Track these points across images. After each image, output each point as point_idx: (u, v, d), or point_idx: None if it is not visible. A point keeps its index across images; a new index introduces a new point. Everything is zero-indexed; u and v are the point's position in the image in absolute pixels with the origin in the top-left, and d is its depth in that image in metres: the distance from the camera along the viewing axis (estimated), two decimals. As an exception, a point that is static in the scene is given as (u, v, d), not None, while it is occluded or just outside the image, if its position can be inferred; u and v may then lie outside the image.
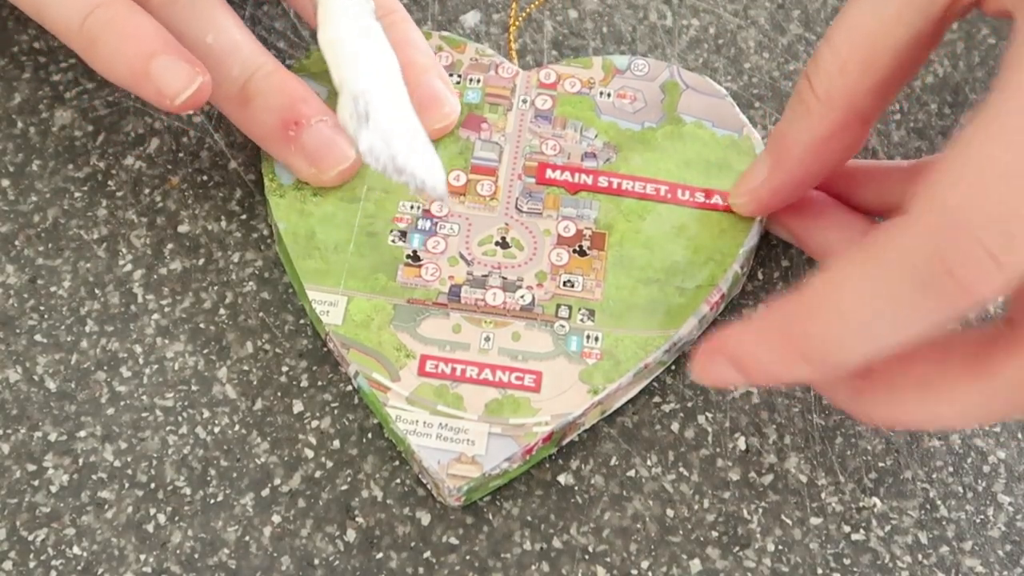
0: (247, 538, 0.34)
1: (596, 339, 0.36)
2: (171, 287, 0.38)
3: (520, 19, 0.43)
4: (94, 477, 0.35)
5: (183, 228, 0.39)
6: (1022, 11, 0.29)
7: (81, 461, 0.35)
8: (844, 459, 0.36)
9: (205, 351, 0.37)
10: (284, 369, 0.37)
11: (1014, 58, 0.28)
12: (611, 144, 0.39)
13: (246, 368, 0.37)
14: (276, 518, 0.34)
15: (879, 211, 0.37)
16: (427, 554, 0.34)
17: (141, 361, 0.37)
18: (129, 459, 0.35)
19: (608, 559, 0.34)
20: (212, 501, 0.35)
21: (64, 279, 0.38)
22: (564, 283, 0.37)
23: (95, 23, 0.36)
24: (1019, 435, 0.36)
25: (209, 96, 0.35)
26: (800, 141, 0.34)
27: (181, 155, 0.40)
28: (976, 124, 0.27)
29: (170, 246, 0.38)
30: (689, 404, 0.36)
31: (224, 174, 0.40)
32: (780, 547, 0.34)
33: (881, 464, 0.36)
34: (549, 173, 0.38)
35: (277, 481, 0.35)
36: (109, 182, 0.39)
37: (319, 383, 0.36)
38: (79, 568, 0.34)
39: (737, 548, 0.34)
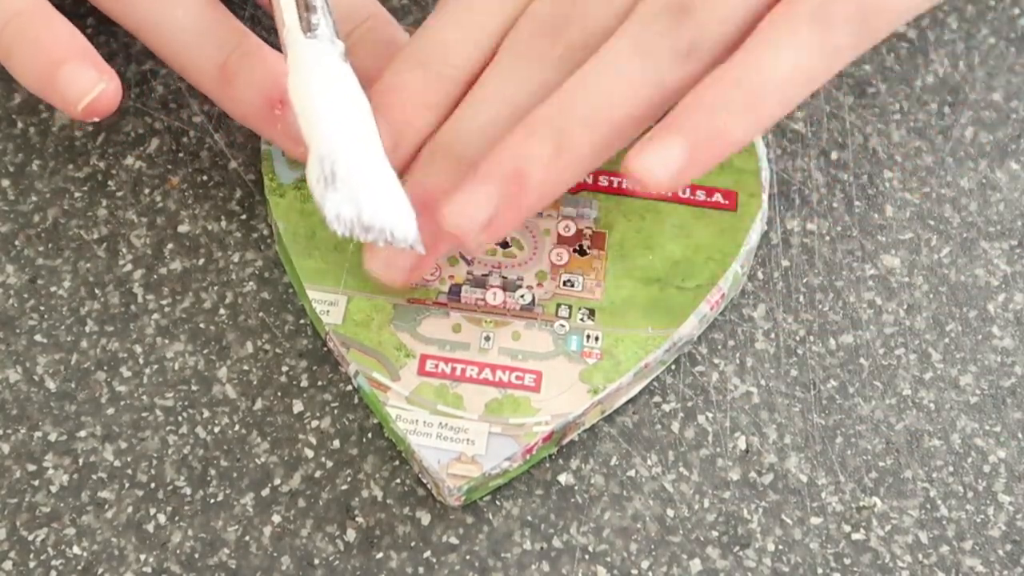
0: (247, 538, 0.34)
1: (596, 339, 0.36)
2: (171, 287, 0.38)
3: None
4: (94, 477, 0.35)
5: (183, 228, 0.39)
6: None
7: (81, 461, 0.35)
8: (844, 459, 0.36)
9: (205, 351, 0.37)
10: (284, 369, 0.37)
11: None
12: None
13: (246, 368, 0.37)
14: (276, 518, 0.34)
15: None
16: (427, 554, 0.34)
17: (141, 361, 0.37)
18: (129, 459, 0.35)
19: (608, 559, 0.34)
20: (212, 501, 0.35)
21: (64, 279, 0.38)
22: (564, 283, 0.37)
23: (11, 32, 0.35)
24: (1019, 435, 0.36)
25: (116, 102, 0.35)
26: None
27: (181, 155, 0.40)
28: None
29: (170, 246, 0.38)
30: (689, 404, 0.36)
31: (224, 174, 0.40)
32: (780, 547, 0.34)
33: (881, 464, 0.36)
34: (549, 173, 0.38)
35: (277, 481, 0.35)
36: (109, 182, 0.39)
37: (319, 383, 0.36)
38: (79, 568, 0.34)
39: (737, 548, 0.34)
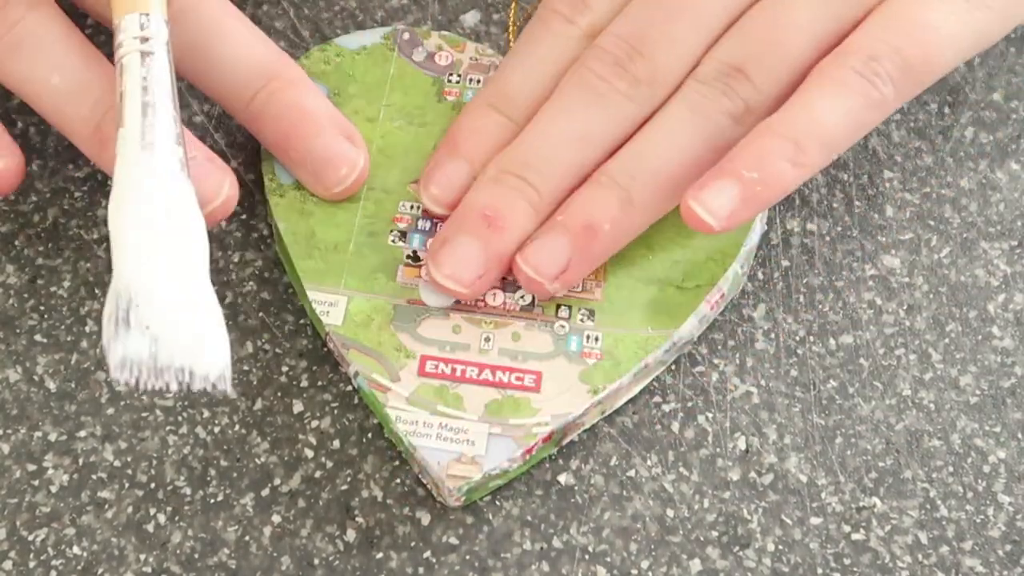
0: (247, 538, 0.34)
1: (596, 339, 0.36)
2: (171, 287, 0.38)
3: (520, 19, 0.43)
4: (94, 477, 0.35)
5: (183, 228, 0.39)
6: None
7: (81, 461, 0.35)
8: (844, 459, 0.36)
9: (205, 351, 0.37)
10: (284, 369, 0.37)
11: None
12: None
13: (246, 368, 0.37)
14: (276, 518, 0.34)
15: None
16: (427, 554, 0.34)
17: (141, 361, 0.37)
18: (129, 459, 0.35)
19: (608, 559, 0.34)
20: (212, 501, 0.35)
21: (64, 279, 0.38)
22: (564, 283, 0.37)
23: None
24: (1019, 435, 0.36)
25: (16, 182, 0.35)
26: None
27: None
28: None
29: (170, 246, 0.38)
30: (689, 404, 0.36)
31: (224, 174, 0.40)
32: (780, 547, 0.34)
33: (881, 464, 0.36)
34: (549, 173, 0.38)
35: (277, 481, 0.35)
36: (109, 182, 0.39)
37: (319, 383, 0.36)
38: (79, 568, 0.34)
39: (737, 548, 0.34)
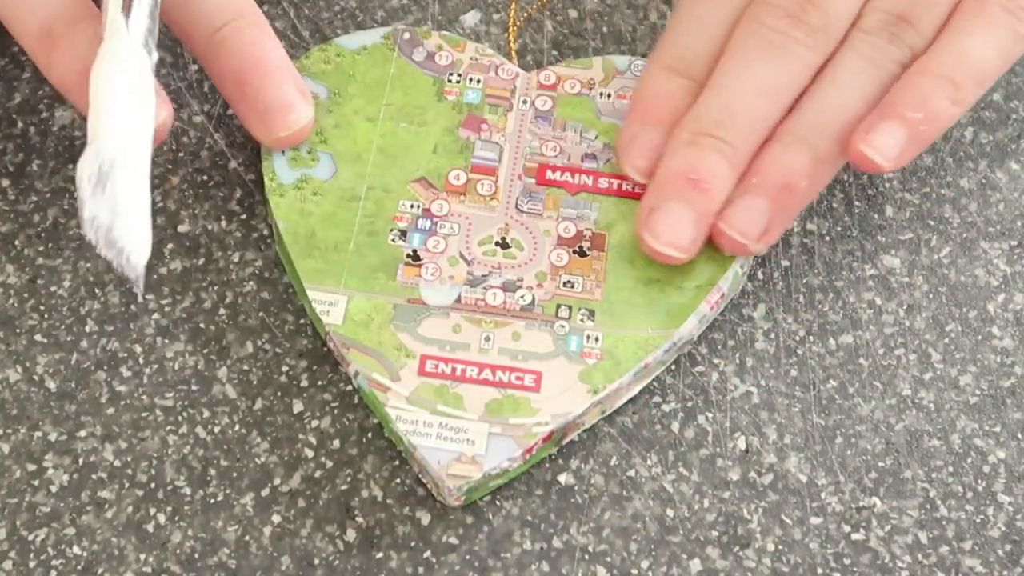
0: (247, 538, 0.34)
1: (596, 339, 0.36)
2: (171, 287, 0.38)
3: (520, 19, 0.43)
4: (94, 477, 0.35)
5: (183, 228, 0.39)
6: None
7: (81, 461, 0.35)
8: (844, 459, 0.36)
9: (205, 351, 0.37)
10: (284, 369, 0.37)
11: None
12: (612, 145, 0.39)
13: (246, 368, 0.37)
14: (276, 518, 0.34)
15: None
16: (427, 554, 0.34)
17: (141, 361, 0.37)
18: (129, 459, 0.35)
19: (608, 559, 0.34)
20: (212, 501, 0.35)
21: (64, 279, 0.38)
22: (564, 283, 0.37)
23: None
24: (1019, 435, 0.36)
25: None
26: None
27: (181, 155, 0.40)
28: None
29: (170, 246, 0.38)
30: (689, 404, 0.36)
31: (224, 174, 0.40)
32: (780, 547, 0.34)
33: (881, 464, 0.36)
34: (549, 174, 0.38)
35: (277, 481, 0.35)
36: (109, 182, 0.39)
37: (319, 383, 0.36)
38: (79, 568, 0.34)
39: (737, 548, 0.34)
